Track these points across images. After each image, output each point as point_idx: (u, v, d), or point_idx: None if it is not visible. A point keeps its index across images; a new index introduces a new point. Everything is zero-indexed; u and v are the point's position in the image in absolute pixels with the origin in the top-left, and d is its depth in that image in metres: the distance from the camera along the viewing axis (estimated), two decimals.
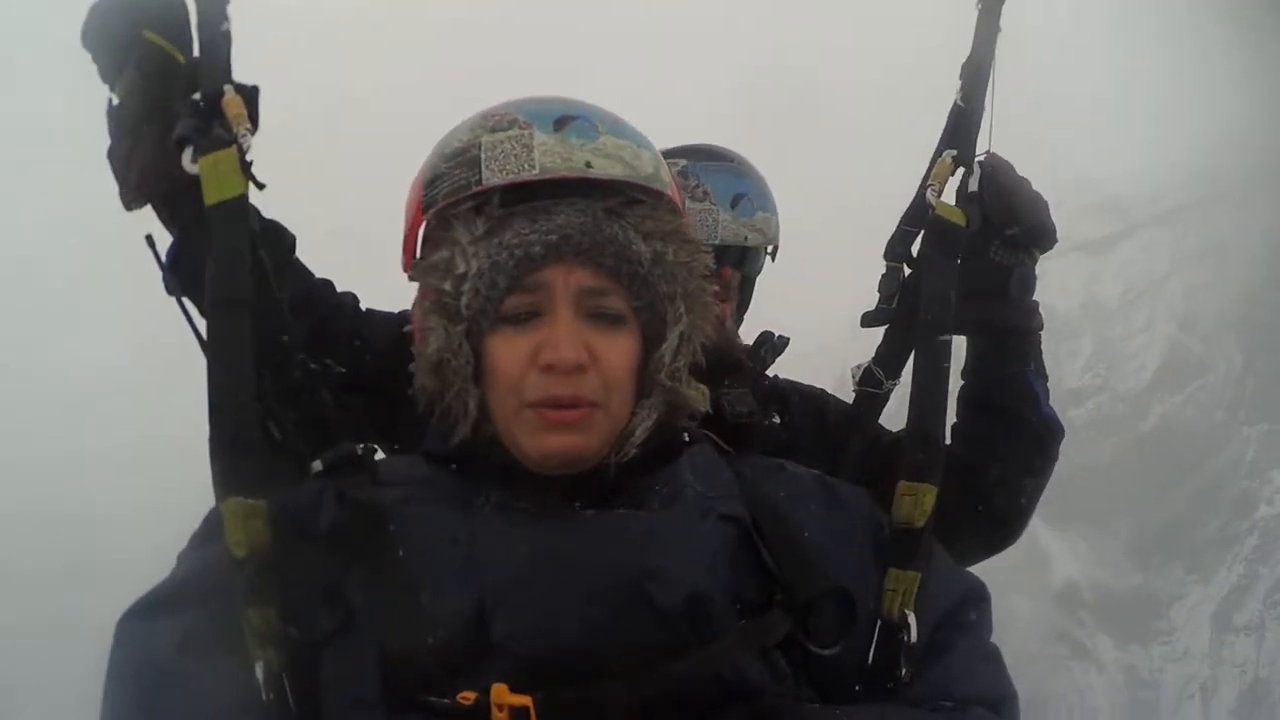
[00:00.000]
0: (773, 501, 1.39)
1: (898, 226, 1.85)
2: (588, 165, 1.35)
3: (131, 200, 1.57)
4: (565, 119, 1.39)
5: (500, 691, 1.09)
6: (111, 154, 1.59)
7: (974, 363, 1.97)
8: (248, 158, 1.48)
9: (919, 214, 1.79)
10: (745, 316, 2.40)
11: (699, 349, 1.46)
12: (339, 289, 1.98)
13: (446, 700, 1.12)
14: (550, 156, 1.35)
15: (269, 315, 1.52)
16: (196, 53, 1.55)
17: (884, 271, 1.88)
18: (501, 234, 1.34)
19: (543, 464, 1.32)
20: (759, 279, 2.41)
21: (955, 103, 1.83)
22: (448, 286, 1.35)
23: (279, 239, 1.85)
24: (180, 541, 1.36)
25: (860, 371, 1.95)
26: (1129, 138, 10.21)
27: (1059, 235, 2.10)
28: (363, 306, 2.04)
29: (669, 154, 2.23)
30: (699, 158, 2.32)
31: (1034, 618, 7.32)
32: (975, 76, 1.82)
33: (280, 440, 1.49)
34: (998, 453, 1.92)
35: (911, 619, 1.34)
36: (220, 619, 1.19)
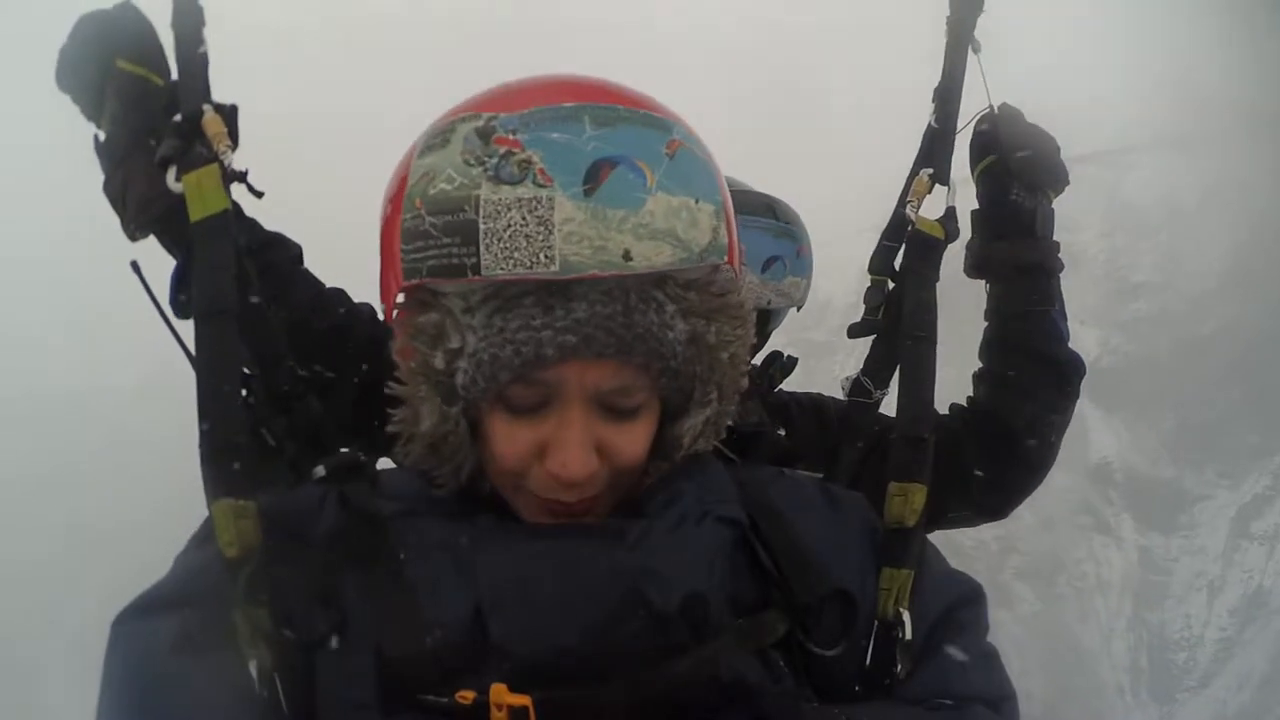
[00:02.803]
0: (772, 505, 1.32)
1: (879, 242, 1.86)
2: (626, 256, 1.08)
3: (134, 230, 1.54)
4: (602, 168, 1.08)
5: (499, 691, 1.05)
6: (107, 188, 1.55)
7: (1000, 304, 1.95)
8: (239, 170, 1.44)
9: (899, 229, 1.79)
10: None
11: (724, 430, 1.34)
12: (354, 286, 1.87)
13: (445, 700, 1.07)
14: (576, 244, 1.07)
15: (256, 325, 1.50)
16: (175, 76, 1.50)
17: (868, 285, 1.87)
18: (505, 315, 1.13)
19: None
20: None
21: (929, 124, 1.84)
22: (439, 363, 1.18)
23: (284, 250, 1.82)
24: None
25: (850, 383, 1.98)
26: (1222, 36, 9.91)
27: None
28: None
29: None
30: (745, 209, 2.24)
31: (1066, 487, 7.53)
32: (947, 99, 1.83)
33: (274, 446, 1.47)
34: (1028, 392, 1.91)
35: (906, 617, 1.29)
36: (215, 619, 1.14)
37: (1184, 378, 8.27)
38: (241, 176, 1.46)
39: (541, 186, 1.05)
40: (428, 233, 1.10)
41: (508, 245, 1.06)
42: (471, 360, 1.15)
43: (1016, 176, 1.85)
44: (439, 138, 1.16)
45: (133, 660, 1.14)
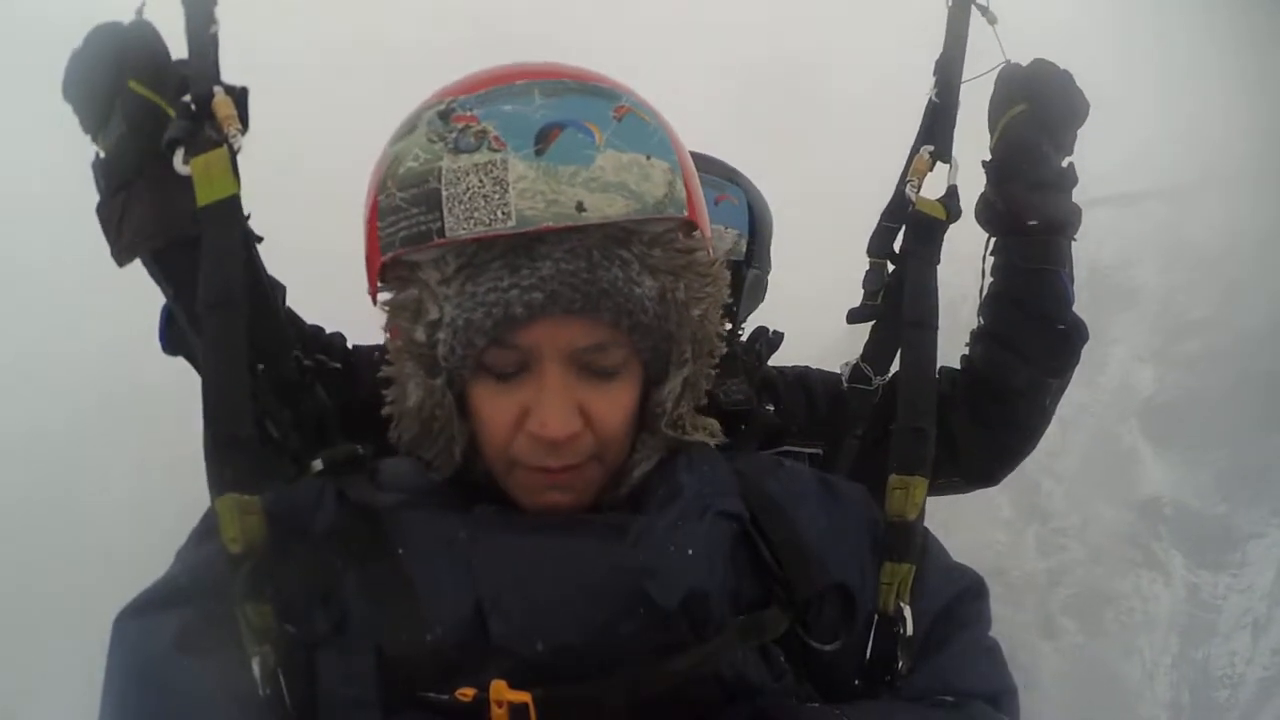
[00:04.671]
0: (771, 498, 1.37)
1: (879, 223, 1.93)
2: (579, 208, 1.16)
3: (123, 257, 1.55)
4: (550, 130, 1.17)
5: (499, 688, 1.08)
6: (101, 209, 1.54)
7: (1013, 260, 1.99)
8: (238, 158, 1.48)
9: (899, 210, 1.85)
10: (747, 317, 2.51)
11: (703, 394, 1.41)
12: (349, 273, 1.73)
13: (445, 697, 1.12)
14: (530, 199, 1.15)
15: (263, 313, 1.52)
16: (185, 55, 1.52)
17: (867, 268, 1.98)
18: (475, 281, 1.21)
19: (535, 511, 1.32)
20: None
21: (930, 99, 1.87)
22: (420, 335, 1.27)
23: (272, 290, 1.83)
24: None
25: (849, 369, 2.06)
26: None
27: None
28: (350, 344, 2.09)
29: None
30: None
31: (1113, 520, 7.55)
32: (948, 72, 1.85)
33: (278, 438, 1.51)
34: (1026, 353, 1.99)
35: (907, 612, 1.35)
36: (217, 615, 1.17)
37: (1239, 415, 8.16)
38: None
39: (495, 151, 1.16)
40: (398, 207, 1.21)
41: (467, 207, 1.15)
42: (448, 329, 1.23)
43: (1051, 128, 1.86)
44: (406, 127, 1.28)
45: (135, 659, 1.17)
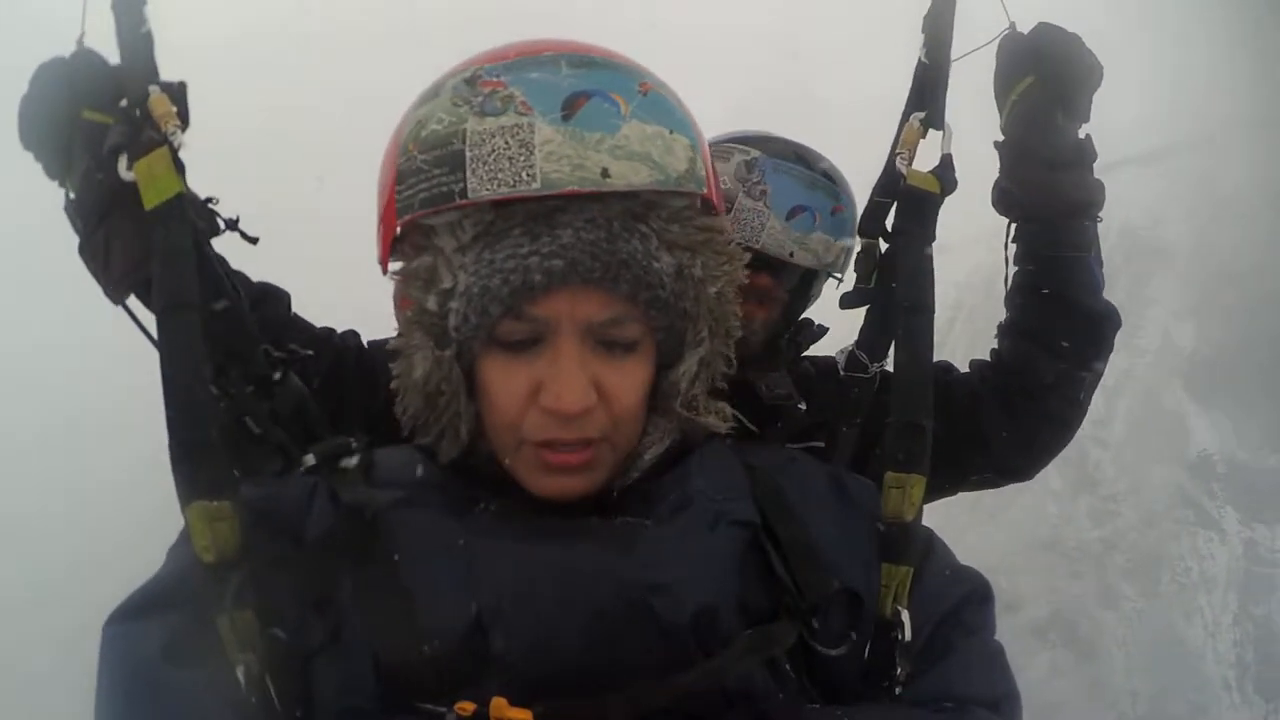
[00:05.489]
0: (782, 498, 1.33)
1: (870, 199, 1.77)
2: (604, 174, 1.15)
3: (118, 293, 1.49)
4: (578, 99, 1.17)
5: (500, 705, 1.06)
6: (84, 249, 1.49)
7: (1035, 247, 1.86)
8: (230, 218, 1.47)
9: (890, 184, 1.68)
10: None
11: (718, 375, 1.37)
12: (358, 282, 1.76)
13: (444, 709, 1.08)
14: (556, 162, 1.14)
15: (225, 312, 1.49)
16: (119, 60, 1.45)
17: (859, 249, 1.83)
18: (493, 249, 1.19)
19: (541, 497, 1.28)
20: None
21: (919, 59, 1.68)
22: (431, 305, 1.24)
23: (277, 303, 1.89)
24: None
25: (844, 357, 1.95)
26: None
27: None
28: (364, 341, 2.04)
29: (747, 141, 2.19)
30: (775, 153, 2.17)
31: (1164, 482, 7.43)
32: (938, 27, 1.67)
33: (260, 433, 1.47)
34: (1053, 346, 1.88)
35: (905, 616, 1.30)
36: (204, 623, 1.15)
37: None
38: (233, 224, 1.50)
39: (522, 115, 1.15)
40: (419, 169, 1.19)
41: (492, 168, 1.14)
42: (462, 298, 1.20)
43: (1064, 99, 1.70)
44: (429, 93, 1.26)
45: (124, 667, 1.14)
